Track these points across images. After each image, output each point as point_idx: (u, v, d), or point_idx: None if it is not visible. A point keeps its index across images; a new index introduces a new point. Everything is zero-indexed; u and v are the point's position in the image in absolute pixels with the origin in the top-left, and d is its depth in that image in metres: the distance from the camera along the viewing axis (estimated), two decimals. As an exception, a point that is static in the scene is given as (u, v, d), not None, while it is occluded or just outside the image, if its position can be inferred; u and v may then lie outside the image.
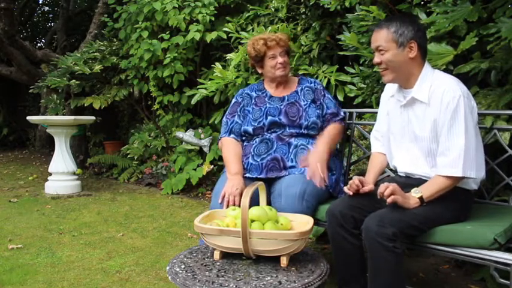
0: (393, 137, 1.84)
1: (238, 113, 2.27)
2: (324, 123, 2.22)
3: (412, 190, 1.63)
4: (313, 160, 1.99)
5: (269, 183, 2.05)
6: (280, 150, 2.10)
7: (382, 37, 1.69)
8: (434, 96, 1.65)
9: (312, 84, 2.30)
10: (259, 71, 2.34)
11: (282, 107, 2.20)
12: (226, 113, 2.33)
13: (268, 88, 2.32)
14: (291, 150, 2.11)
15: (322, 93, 2.27)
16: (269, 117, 2.17)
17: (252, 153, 2.14)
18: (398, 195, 1.58)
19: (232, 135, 2.24)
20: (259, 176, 2.06)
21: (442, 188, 1.63)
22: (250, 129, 2.19)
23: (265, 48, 2.22)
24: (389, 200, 1.56)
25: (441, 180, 1.64)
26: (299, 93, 2.26)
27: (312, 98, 2.24)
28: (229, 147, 2.20)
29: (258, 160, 2.11)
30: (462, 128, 1.60)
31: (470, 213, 1.73)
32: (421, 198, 1.61)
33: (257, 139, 2.18)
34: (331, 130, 2.19)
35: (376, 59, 1.73)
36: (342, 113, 2.29)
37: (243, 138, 2.25)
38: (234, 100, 2.35)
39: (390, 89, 1.88)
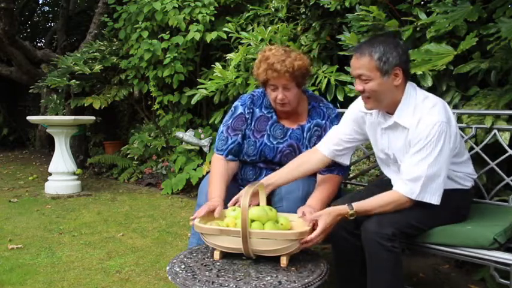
0: (379, 158, 1.82)
1: (243, 132, 1.98)
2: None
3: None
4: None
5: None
6: None
7: (364, 65, 1.54)
8: (415, 123, 1.57)
9: (323, 122, 1.98)
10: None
11: (279, 147, 1.96)
12: (227, 123, 2.01)
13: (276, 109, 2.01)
14: None
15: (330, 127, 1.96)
16: (262, 158, 1.98)
17: (241, 176, 2.03)
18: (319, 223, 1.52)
19: (230, 157, 1.97)
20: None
21: (388, 203, 1.57)
22: (241, 157, 2.01)
23: (265, 76, 1.85)
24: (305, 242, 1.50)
25: (394, 196, 1.58)
26: (305, 134, 1.97)
27: (315, 141, 1.96)
28: (222, 175, 1.89)
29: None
30: (433, 156, 1.52)
31: (469, 212, 1.73)
32: (352, 214, 1.56)
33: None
34: (331, 185, 1.89)
35: (359, 86, 1.58)
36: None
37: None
38: (239, 111, 2.00)
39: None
